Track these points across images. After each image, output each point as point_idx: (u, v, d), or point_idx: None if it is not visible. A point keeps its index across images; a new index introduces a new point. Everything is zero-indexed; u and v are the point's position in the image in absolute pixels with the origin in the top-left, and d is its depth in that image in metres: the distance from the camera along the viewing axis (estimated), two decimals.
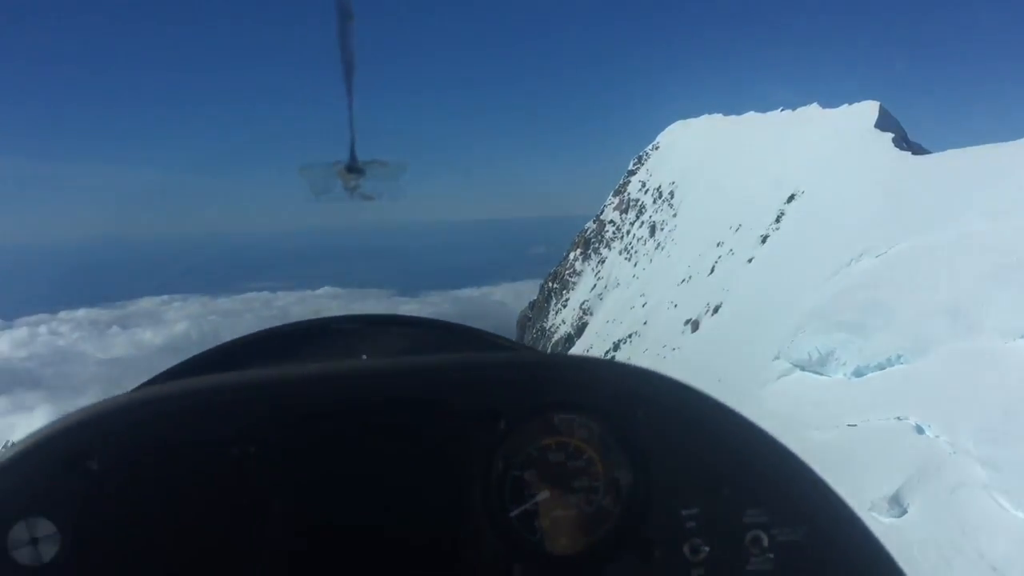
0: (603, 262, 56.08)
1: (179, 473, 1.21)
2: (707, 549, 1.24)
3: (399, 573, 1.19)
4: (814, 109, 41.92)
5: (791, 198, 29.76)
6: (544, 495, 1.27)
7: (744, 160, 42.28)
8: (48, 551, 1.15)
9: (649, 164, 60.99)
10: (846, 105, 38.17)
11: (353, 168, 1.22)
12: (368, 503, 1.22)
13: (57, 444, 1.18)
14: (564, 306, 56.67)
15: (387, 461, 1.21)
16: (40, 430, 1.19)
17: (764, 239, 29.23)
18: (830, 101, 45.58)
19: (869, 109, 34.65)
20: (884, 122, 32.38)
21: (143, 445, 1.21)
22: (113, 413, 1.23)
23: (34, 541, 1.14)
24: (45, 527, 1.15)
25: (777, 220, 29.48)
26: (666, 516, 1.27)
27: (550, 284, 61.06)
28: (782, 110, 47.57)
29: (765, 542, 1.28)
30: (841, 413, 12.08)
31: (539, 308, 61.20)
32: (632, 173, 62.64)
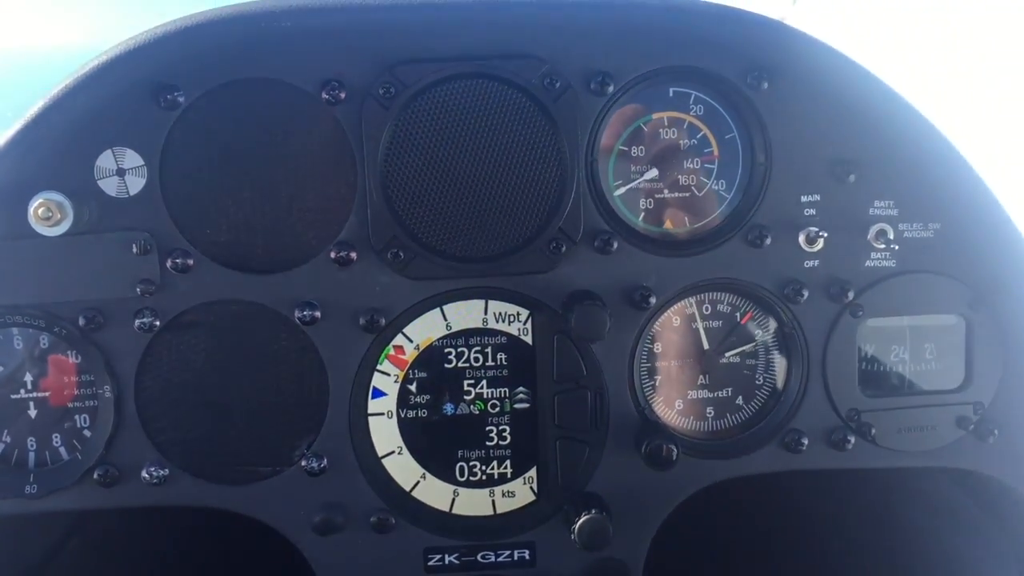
0: None
1: (269, 113, 1.10)
2: (824, 236, 1.17)
3: (501, 228, 1.16)
4: None
5: None
6: (652, 173, 1.20)
7: None
8: (135, 184, 1.09)
9: None
10: None
11: None
12: (467, 157, 1.13)
13: (139, 70, 1.07)
14: None
15: (490, 116, 1.12)
16: (115, 49, 1.07)
17: None
18: None
19: None
20: None
21: (234, 77, 1.11)
22: (196, 31, 1.09)
23: (121, 172, 1.08)
24: (132, 158, 1.09)
25: None
26: (783, 201, 1.18)
27: None
28: None
29: (891, 236, 1.20)
30: None
31: None
32: None
